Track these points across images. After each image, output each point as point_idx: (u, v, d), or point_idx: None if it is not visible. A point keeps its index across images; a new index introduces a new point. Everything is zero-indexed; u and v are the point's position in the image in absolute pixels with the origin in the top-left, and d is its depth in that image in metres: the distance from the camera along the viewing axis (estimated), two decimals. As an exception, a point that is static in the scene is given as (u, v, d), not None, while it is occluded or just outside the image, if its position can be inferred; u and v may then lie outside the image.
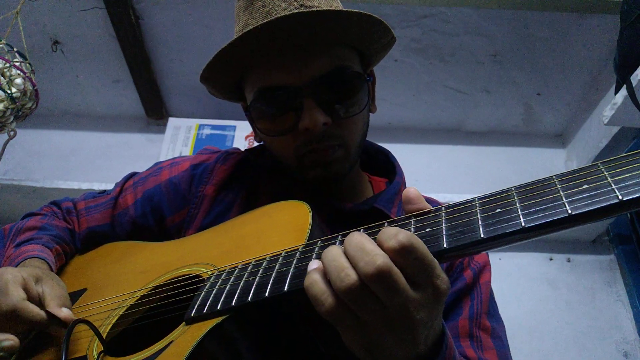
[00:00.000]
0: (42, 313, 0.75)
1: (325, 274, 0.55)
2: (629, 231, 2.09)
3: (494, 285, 0.94)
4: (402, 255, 0.51)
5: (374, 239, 0.54)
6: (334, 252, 0.55)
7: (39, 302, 0.78)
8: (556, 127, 2.42)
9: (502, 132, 2.46)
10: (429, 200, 0.98)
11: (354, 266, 0.52)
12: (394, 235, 0.52)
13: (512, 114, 2.38)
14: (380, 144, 1.09)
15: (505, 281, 2.04)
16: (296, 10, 0.80)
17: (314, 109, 0.83)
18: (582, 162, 2.20)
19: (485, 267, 0.93)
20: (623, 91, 1.59)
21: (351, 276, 0.52)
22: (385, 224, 0.63)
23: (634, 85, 1.54)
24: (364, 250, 0.52)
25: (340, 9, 0.84)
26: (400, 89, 2.31)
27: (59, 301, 0.78)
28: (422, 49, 2.17)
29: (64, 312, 0.77)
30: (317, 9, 0.81)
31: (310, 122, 0.82)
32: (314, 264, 0.57)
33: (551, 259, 2.12)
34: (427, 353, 0.58)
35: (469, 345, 0.83)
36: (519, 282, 2.06)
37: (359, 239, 0.54)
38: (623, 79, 1.60)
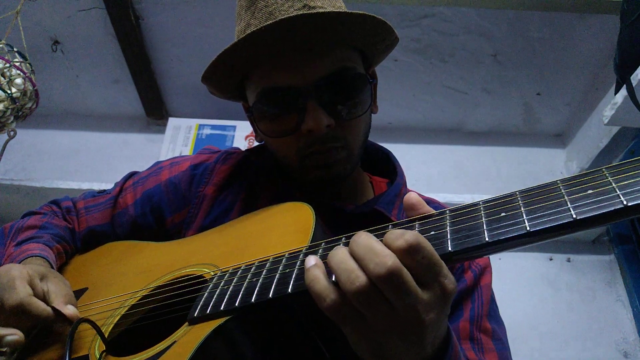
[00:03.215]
0: (49, 309, 0.76)
1: (325, 271, 0.55)
2: (629, 231, 2.09)
3: (494, 285, 0.94)
4: (409, 254, 0.51)
5: (381, 241, 0.54)
6: (341, 254, 0.55)
7: (44, 299, 0.78)
8: (556, 127, 2.42)
9: (502, 132, 2.46)
10: (429, 201, 0.98)
11: (364, 268, 0.52)
12: (401, 235, 0.52)
13: (512, 114, 2.38)
14: (380, 144, 1.08)
15: (506, 281, 2.03)
16: (300, 12, 0.80)
17: (318, 111, 0.82)
18: (582, 162, 2.20)
19: (486, 269, 0.93)
20: (623, 91, 1.59)
21: (361, 277, 0.52)
22: (390, 227, 0.63)
23: (634, 85, 1.54)
24: (373, 251, 0.52)
25: (344, 9, 0.83)
26: (400, 89, 2.31)
27: (64, 299, 0.79)
28: (422, 49, 2.17)
29: (70, 310, 0.78)
30: (321, 9, 0.80)
31: (314, 124, 0.82)
32: (311, 260, 0.57)
33: (551, 259, 2.13)
34: (433, 355, 0.58)
35: (469, 348, 0.83)
36: (519, 282, 2.06)
37: (367, 240, 0.53)
38: (623, 79, 1.60)
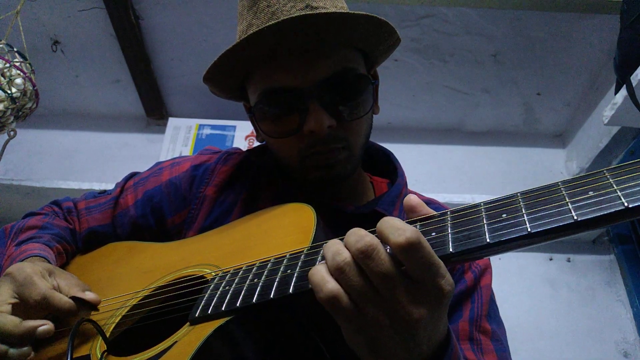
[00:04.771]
0: (70, 300, 0.78)
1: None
2: (629, 231, 2.09)
3: (494, 285, 0.94)
4: (408, 251, 0.52)
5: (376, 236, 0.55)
6: (333, 241, 0.58)
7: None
8: (556, 127, 2.42)
9: (502, 132, 2.46)
10: (429, 202, 0.99)
11: (347, 246, 0.55)
12: (402, 231, 0.52)
13: (512, 114, 2.39)
14: (380, 144, 1.08)
15: (505, 281, 2.04)
16: (302, 12, 0.79)
17: (319, 112, 0.82)
18: (582, 162, 2.21)
19: (486, 269, 0.93)
20: (623, 91, 1.59)
21: (343, 254, 0.55)
22: None
23: (634, 85, 1.54)
24: (356, 234, 0.55)
25: (346, 10, 0.83)
26: (400, 89, 2.31)
27: (79, 288, 0.81)
28: (422, 49, 2.17)
29: (90, 295, 0.80)
30: (324, 9, 0.80)
31: (316, 125, 0.82)
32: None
33: (551, 259, 2.13)
34: (432, 354, 0.58)
35: (468, 348, 0.82)
36: (519, 282, 2.06)
37: (355, 229, 0.56)
38: (623, 79, 1.60)
